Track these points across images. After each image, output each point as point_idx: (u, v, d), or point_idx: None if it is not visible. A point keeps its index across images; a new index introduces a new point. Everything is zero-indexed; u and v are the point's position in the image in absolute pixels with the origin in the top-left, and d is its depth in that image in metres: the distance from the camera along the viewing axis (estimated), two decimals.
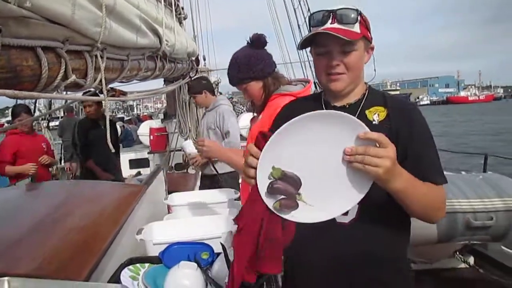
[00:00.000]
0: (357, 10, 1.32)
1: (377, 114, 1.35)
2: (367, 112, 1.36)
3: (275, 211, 1.12)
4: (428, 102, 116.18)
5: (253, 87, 2.22)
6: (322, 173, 1.11)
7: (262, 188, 1.11)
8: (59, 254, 1.41)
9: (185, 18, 5.11)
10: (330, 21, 1.31)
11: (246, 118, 8.80)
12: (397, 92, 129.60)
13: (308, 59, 9.43)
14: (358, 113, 1.35)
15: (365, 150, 1.06)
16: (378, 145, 1.08)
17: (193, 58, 4.57)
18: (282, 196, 1.12)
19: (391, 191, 1.17)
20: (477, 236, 3.20)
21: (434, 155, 1.33)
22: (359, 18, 1.32)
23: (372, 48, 1.41)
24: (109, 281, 1.45)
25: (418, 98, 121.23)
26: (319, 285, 1.39)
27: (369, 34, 1.37)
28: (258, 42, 2.23)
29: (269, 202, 1.12)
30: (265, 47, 2.26)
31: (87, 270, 1.35)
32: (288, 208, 1.12)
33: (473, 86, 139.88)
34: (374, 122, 1.33)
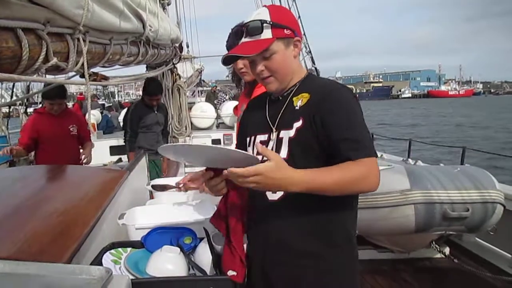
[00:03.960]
0: (260, 20, 1.42)
1: (300, 100, 1.47)
2: (294, 99, 1.49)
3: None
4: (410, 95, 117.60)
5: None
6: None
7: None
8: (40, 237, 1.40)
9: (168, 4, 5.05)
10: (244, 34, 1.45)
11: (229, 106, 8.79)
12: (380, 85, 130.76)
13: None
14: (287, 102, 1.50)
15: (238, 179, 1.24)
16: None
17: (177, 45, 4.54)
18: None
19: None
20: (453, 227, 3.28)
21: (351, 131, 1.36)
22: (265, 25, 1.41)
23: (299, 40, 1.49)
24: (91, 265, 1.45)
25: (400, 91, 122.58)
26: (259, 257, 1.51)
27: (285, 32, 1.43)
28: None
29: None
30: None
31: (69, 254, 1.34)
32: None
33: (453, 81, 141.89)
34: (296, 108, 1.46)
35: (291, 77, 1.51)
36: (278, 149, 1.45)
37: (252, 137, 1.58)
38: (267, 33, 1.42)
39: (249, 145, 1.59)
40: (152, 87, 4.63)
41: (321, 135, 1.38)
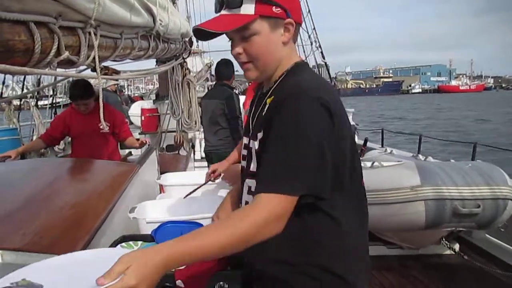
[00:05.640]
0: None
1: (268, 104, 1.22)
2: (267, 100, 1.23)
3: None
4: (420, 90, 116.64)
5: None
6: None
7: None
8: (51, 230, 1.42)
9: None
10: (224, 6, 1.19)
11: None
12: (390, 80, 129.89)
13: (302, 43, 9.37)
14: (263, 102, 1.25)
15: None
16: None
17: (186, 39, 4.53)
18: None
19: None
20: (463, 223, 3.26)
21: (269, 158, 1.11)
22: None
23: (292, 24, 1.19)
24: None
25: (410, 86, 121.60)
26: (247, 261, 1.36)
27: (274, 10, 1.16)
28: None
29: None
30: None
31: (80, 247, 1.35)
32: None
33: (464, 76, 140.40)
34: (263, 113, 1.23)
35: (275, 67, 1.24)
36: (249, 160, 1.26)
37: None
38: (248, 8, 1.15)
39: None
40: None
41: None
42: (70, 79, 4.29)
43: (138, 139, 4.22)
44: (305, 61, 1.34)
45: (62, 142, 6.55)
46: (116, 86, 8.93)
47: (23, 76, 6.65)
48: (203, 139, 7.78)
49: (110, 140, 4.01)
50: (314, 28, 9.62)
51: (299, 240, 1.19)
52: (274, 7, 1.16)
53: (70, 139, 4.16)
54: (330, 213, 1.17)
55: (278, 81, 1.24)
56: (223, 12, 1.19)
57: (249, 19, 1.15)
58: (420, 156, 4.72)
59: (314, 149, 1.07)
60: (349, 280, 1.20)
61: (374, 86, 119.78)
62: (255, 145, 1.20)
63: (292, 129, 1.08)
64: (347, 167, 1.18)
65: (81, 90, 3.76)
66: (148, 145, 4.15)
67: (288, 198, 1.05)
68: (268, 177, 1.08)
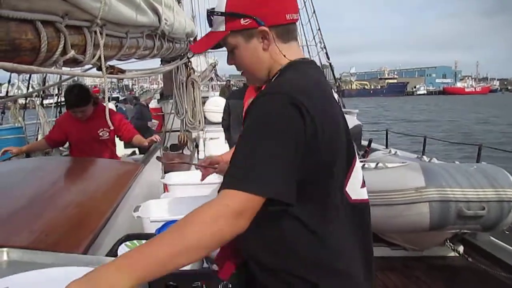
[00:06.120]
0: (208, 10, 1.21)
1: None
2: None
3: None
4: (425, 92, 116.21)
5: None
6: None
7: None
8: (56, 228, 1.43)
9: None
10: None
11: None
12: (395, 81, 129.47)
13: (306, 44, 9.37)
14: None
15: None
16: None
17: (191, 39, 4.53)
18: None
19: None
20: (468, 226, 3.25)
21: (237, 155, 1.07)
22: (214, 17, 1.20)
23: (265, 31, 1.16)
24: (106, 256, 1.46)
25: (415, 87, 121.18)
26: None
27: (242, 22, 1.16)
28: None
29: None
30: None
31: (85, 245, 1.36)
32: None
33: (469, 78, 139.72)
34: None
35: (266, 72, 1.24)
36: None
37: None
38: (221, 26, 1.19)
39: None
40: None
41: None
42: (75, 78, 4.25)
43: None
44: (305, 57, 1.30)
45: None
46: (151, 99, 8.45)
47: (28, 75, 6.67)
48: (207, 139, 7.82)
49: (108, 146, 3.87)
50: (319, 29, 9.62)
51: (275, 246, 1.15)
52: (241, 19, 1.16)
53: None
54: (307, 223, 1.11)
55: (270, 81, 1.23)
56: (211, 29, 1.24)
57: (220, 37, 1.20)
58: (425, 158, 4.70)
59: (278, 149, 1.02)
60: None
61: (379, 87, 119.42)
62: None
63: (256, 128, 1.07)
64: (329, 175, 1.12)
65: (76, 97, 3.57)
66: (157, 142, 4.04)
67: (245, 196, 1.00)
68: (228, 175, 1.05)
